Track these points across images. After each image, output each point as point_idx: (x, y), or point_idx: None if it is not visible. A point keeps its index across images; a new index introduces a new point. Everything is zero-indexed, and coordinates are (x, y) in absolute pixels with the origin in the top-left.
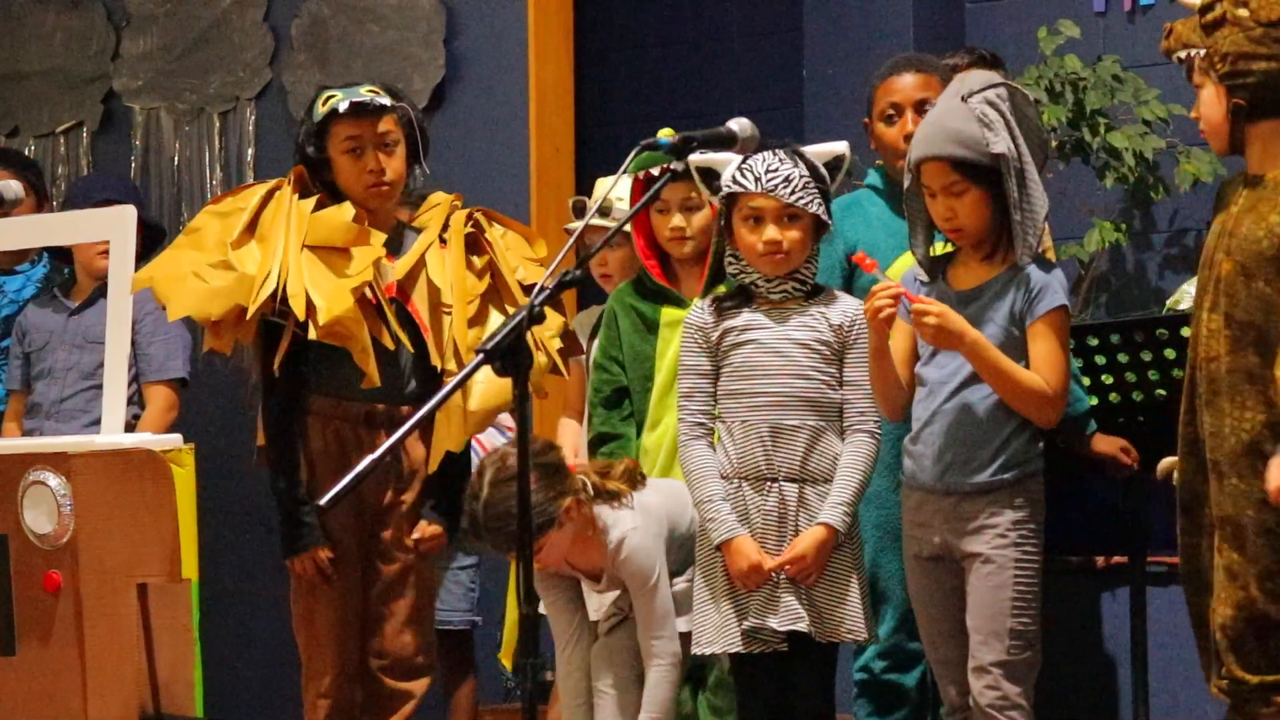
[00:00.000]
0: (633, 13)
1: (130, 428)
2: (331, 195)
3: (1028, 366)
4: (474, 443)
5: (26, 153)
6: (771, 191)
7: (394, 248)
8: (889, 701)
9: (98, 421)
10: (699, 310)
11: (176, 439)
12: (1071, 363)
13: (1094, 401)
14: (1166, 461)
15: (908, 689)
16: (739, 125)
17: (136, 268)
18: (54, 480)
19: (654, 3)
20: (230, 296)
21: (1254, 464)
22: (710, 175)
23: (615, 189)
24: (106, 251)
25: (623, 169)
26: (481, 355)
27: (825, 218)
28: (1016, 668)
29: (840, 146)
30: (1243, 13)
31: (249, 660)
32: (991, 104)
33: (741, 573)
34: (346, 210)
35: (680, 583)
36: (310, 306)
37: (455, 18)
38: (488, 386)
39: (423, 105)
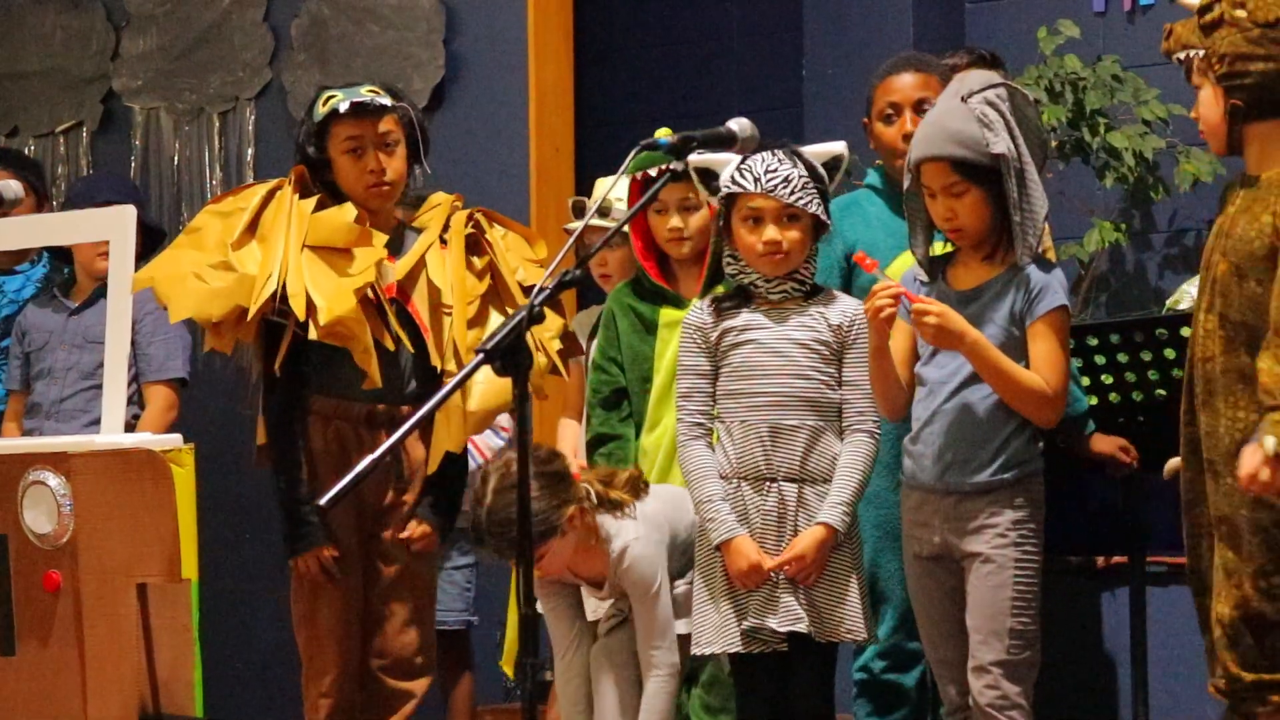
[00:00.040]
0: (633, 13)
1: (130, 428)
2: (332, 195)
3: (1027, 366)
4: (469, 444)
5: (26, 152)
6: (771, 192)
7: (394, 248)
8: (889, 701)
9: (97, 421)
10: (698, 310)
11: (176, 439)
12: (1070, 363)
13: (1094, 401)
14: (1173, 462)
15: (907, 689)
16: (739, 125)
17: (136, 269)
18: (54, 480)
19: (654, 3)
20: (231, 297)
21: None
22: (709, 175)
23: (615, 189)
24: (106, 254)
25: (622, 169)
26: (481, 355)
27: (824, 218)
28: (1016, 667)
29: (838, 147)
30: (1240, 14)
31: (249, 660)
32: (991, 104)
33: (741, 573)
34: (348, 211)
35: (681, 585)
36: (310, 306)
37: (455, 18)
38: (487, 387)
39: (422, 105)
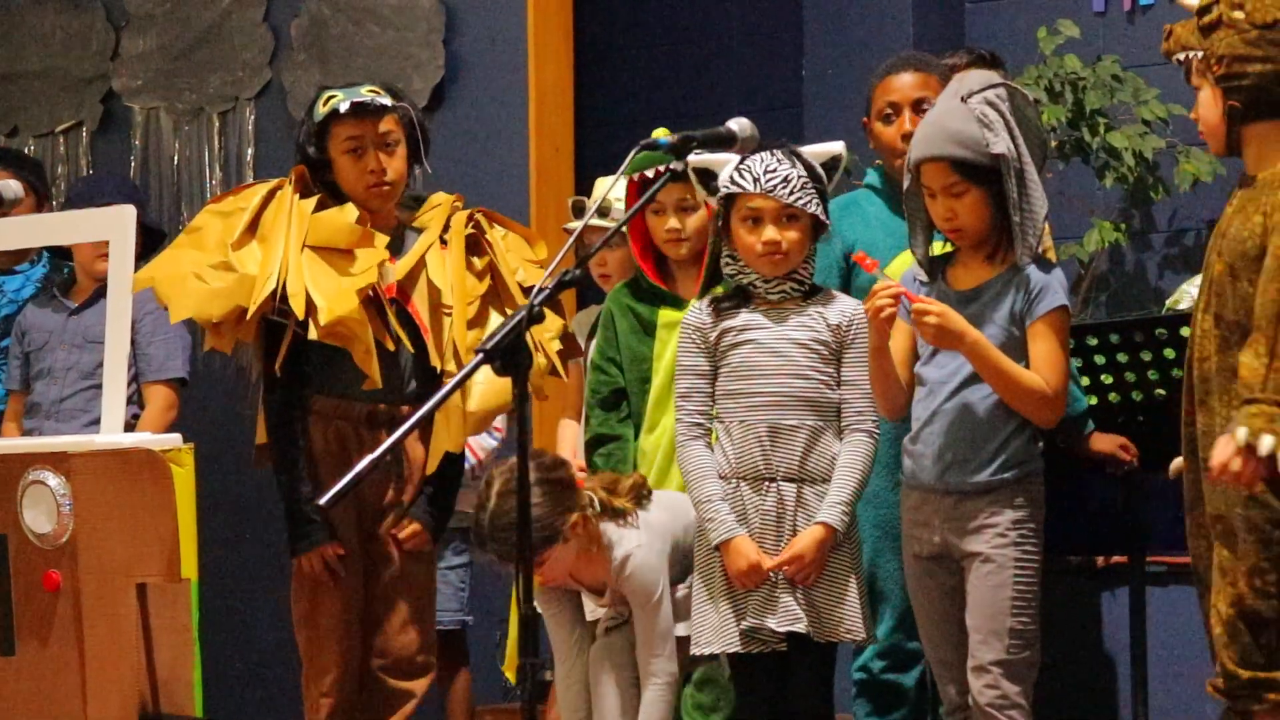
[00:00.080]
0: (633, 13)
1: (130, 427)
2: (332, 195)
3: (1027, 367)
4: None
5: (26, 152)
6: (770, 192)
7: (394, 248)
8: (888, 701)
9: (97, 421)
10: (697, 310)
11: (176, 439)
12: (1071, 362)
13: (1093, 401)
14: (1178, 462)
15: (907, 689)
16: (739, 125)
17: (136, 269)
18: (53, 480)
19: (654, 3)
20: (231, 297)
21: None
22: (707, 176)
23: (614, 189)
24: (106, 255)
25: (621, 169)
26: (481, 355)
27: (823, 218)
28: (1016, 667)
29: (836, 147)
30: (1238, 15)
31: (249, 660)
32: (991, 104)
33: (740, 573)
34: (350, 212)
35: (681, 589)
36: (310, 306)
37: (455, 18)
38: (487, 387)
39: (422, 105)
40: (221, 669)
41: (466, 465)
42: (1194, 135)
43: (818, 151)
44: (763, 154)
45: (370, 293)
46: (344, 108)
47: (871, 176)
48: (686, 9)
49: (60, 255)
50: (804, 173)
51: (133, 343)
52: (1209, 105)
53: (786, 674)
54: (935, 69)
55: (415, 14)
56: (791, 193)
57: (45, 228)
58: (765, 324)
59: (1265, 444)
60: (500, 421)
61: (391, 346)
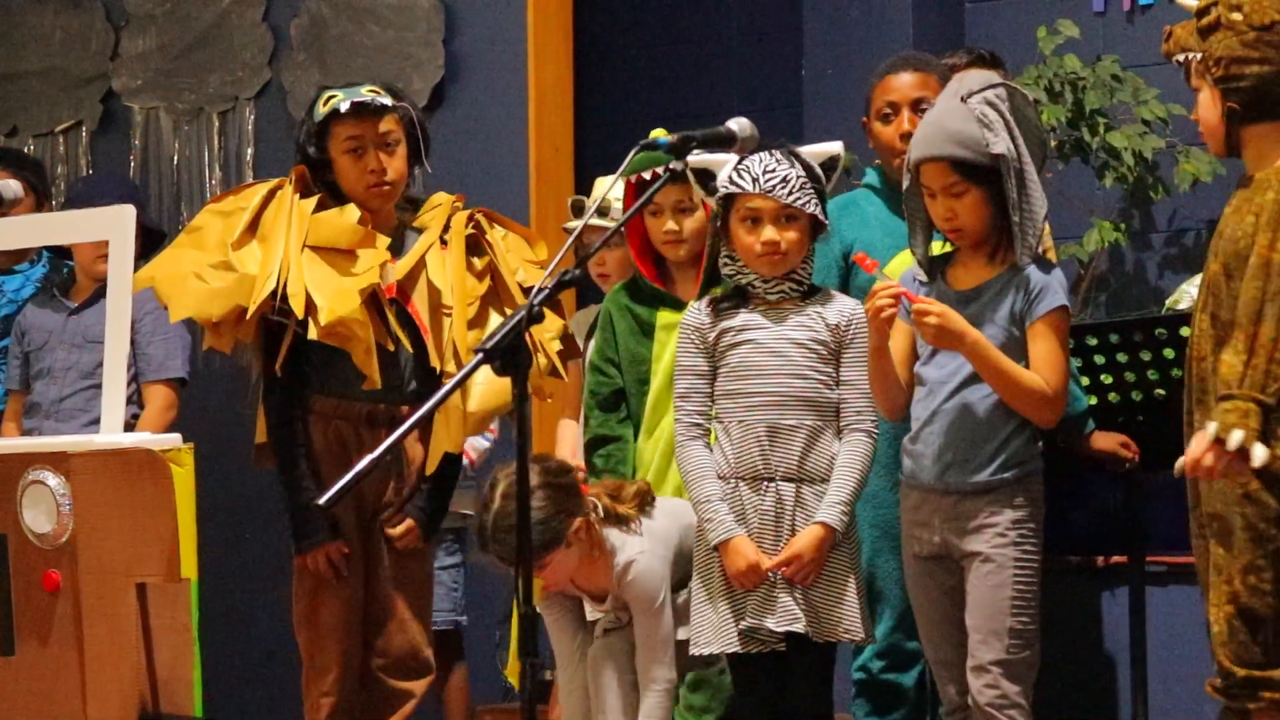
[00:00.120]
0: (633, 13)
1: (129, 427)
2: (333, 195)
3: (1027, 366)
4: None
5: (26, 152)
6: (769, 192)
7: (394, 248)
8: (887, 701)
9: (97, 421)
10: (696, 311)
11: (176, 438)
12: (1071, 362)
13: (1093, 401)
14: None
15: (906, 689)
16: (738, 125)
17: (135, 269)
18: (53, 480)
19: (654, 3)
20: (231, 297)
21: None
22: (706, 176)
23: (614, 189)
24: (106, 257)
25: (621, 170)
26: (480, 355)
27: (822, 218)
28: (1015, 667)
29: (835, 147)
30: (1236, 17)
31: (249, 660)
32: (991, 104)
33: (739, 573)
34: (352, 212)
35: (681, 594)
36: (310, 306)
37: (454, 18)
38: (487, 388)
39: (422, 105)
40: (221, 669)
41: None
42: (1193, 135)
43: (816, 151)
44: (761, 154)
45: (371, 293)
46: (344, 107)
47: (870, 176)
48: (686, 9)
49: (60, 255)
50: (802, 173)
51: (132, 342)
52: (1208, 106)
53: (785, 674)
54: (934, 69)
55: (415, 14)
56: (790, 193)
57: (45, 228)
58: (764, 324)
59: (1234, 438)
60: (494, 422)
61: (391, 347)
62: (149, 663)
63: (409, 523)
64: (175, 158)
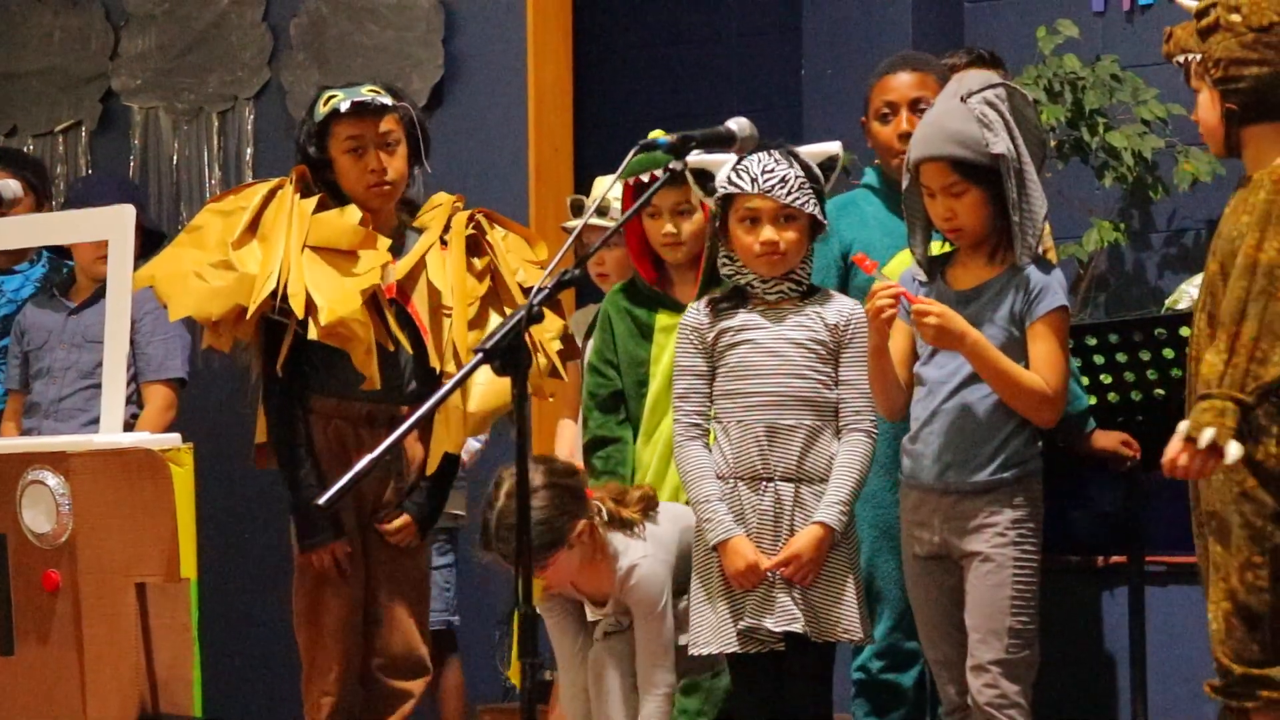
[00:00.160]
0: (633, 13)
1: (129, 427)
2: (333, 195)
3: (1027, 367)
4: None
5: (25, 152)
6: (768, 192)
7: (394, 249)
8: (887, 701)
9: (96, 421)
10: (694, 311)
11: (175, 438)
12: (1070, 361)
13: (1093, 401)
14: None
15: (905, 689)
16: (738, 125)
17: (135, 269)
18: (53, 480)
19: (654, 3)
20: (231, 296)
21: None
22: (704, 176)
23: (613, 189)
24: (105, 258)
25: (620, 170)
26: (480, 355)
27: (820, 218)
28: (1015, 666)
29: (833, 147)
30: (1235, 18)
31: (249, 660)
32: (990, 104)
33: (738, 573)
34: (353, 213)
35: (682, 601)
36: (310, 306)
37: (454, 17)
38: (487, 388)
39: (421, 105)
40: (221, 669)
41: None
42: (1193, 135)
43: (815, 151)
44: (760, 154)
45: (371, 293)
46: (345, 107)
47: (869, 176)
48: (686, 9)
49: (60, 255)
50: (801, 173)
51: (132, 342)
52: (1208, 107)
53: (784, 674)
54: (933, 68)
55: (414, 13)
56: (789, 193)
57: (45, 227)
58: (763, 324)
59: (1204, 437)
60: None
61: (391, 347)
62: (149, 663)
63: (405, 517)
64: (175, 158)
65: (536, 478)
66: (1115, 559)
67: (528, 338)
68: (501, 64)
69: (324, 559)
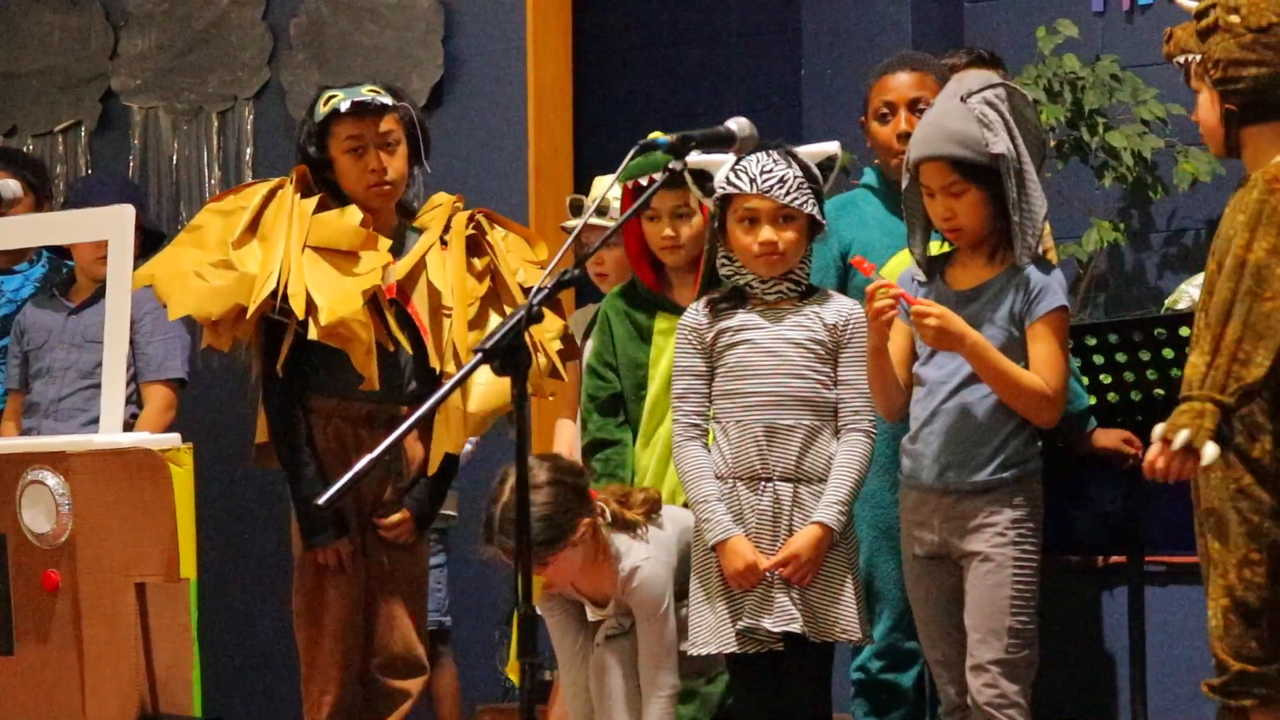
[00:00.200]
0: (633, 13)
1: (129, 427)
2: (333, 195)
3: (1027, 367)
4: None
5: (25, 152)
6: (767, 193)
7: (394, 249)
8: (886, 701)
9: (96, 421)
10: (693, 311)
11: (175, 438)
12: (1071, 361)
13: (1093, 401)
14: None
15: (905, 689)
16: (738, 125)
17: (135, 269)
18: (52, 479)
19: (654, 3)
20: (231, 296)
21: (1231, 456)
22: (703, 177)
23: (613, 189)
24: (105, 256)
25: (619, 171)
26: (480, 355)
27: (819, 218)
28: (1014, 666)
29: (832, 147)
30: (1234, 19)
31: (248, 660)
32: (990, 104)
33: (736, 573)
34: (354, 214)
35: (684, 607)
36: (311, 306)
37: (454, 17)
38: (487, 388)
39: (421, 105)
40: (221, 669)
41: None
42: (1193, 135)
43: (813, 151)
44: (758, 154)
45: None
46: (345, 107)
47: (869, 176)
48: (686, 9)
49: (60, 255)
50: (800, 173)
51: (132, 342)
52: (1207, 108)
53: (783, 674)
54: (932, 68)
55: (414, 13)
56: (788, 193)
57: (44, 227)
58: (762, 324)
59: (1179, 439)
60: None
61: (391, 348)
62: (148, 663)
63: (403, 512)
64: (174, 157)
65: (541, 474)
66: (1115, 559)
67: (527, 338)
68: (501, 64)
69: (329, 556)
